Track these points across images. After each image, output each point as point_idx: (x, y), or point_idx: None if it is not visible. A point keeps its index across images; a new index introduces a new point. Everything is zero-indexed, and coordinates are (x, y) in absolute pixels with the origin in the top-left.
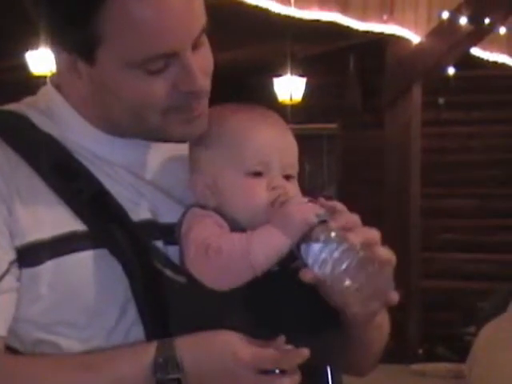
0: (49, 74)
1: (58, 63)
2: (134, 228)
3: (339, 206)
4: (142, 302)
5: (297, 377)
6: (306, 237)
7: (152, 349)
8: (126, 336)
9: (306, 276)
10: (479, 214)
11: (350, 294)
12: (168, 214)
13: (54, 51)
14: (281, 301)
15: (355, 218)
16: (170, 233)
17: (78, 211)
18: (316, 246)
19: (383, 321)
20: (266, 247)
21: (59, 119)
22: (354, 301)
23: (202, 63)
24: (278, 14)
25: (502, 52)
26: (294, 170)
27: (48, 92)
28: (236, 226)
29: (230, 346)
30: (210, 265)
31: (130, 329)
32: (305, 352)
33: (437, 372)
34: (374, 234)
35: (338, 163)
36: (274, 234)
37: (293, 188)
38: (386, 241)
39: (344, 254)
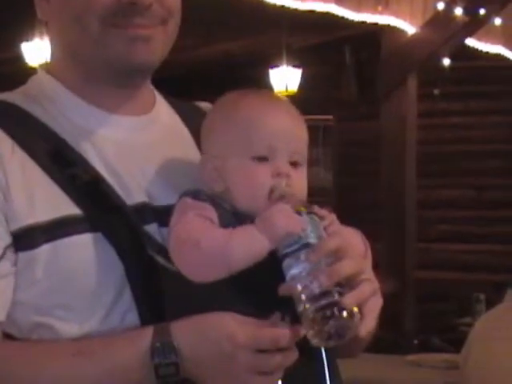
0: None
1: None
2: (128, 213)
3: (335, 223)
4: (137, 287)
5: (294, 354)
6: (290, 257)
7: (148, 334)
8: (121, 320)
9: (283, 291)
10: (475, 205)
11: (314, 325)
12: (163, 197)
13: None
14: (271, 283)
15: (346, 242)
16: (165, 215)
17: (74, 196)
18: (296, 271)
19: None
20: (244, 249)
21: (55, 101)
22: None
23: None
24: (274, 5)
25: (497, 43)
26: (301, 157)
27: (39, 78)
28: (233, 215)
29: (225, 328)
30: (187, 257)
31: (125, 313)
32: (300, 329)
33: (432, 363)
34: (359, 270)
35: (333, 154)
36: (254, 237)
37: (298, 176)
38: (382, 233)
39: (316, 293)
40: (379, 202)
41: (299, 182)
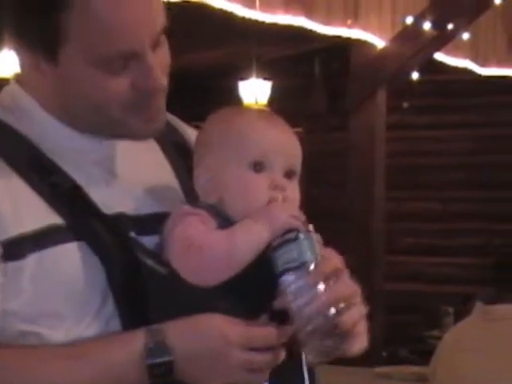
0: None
1: (21, 62)
2: (111, 220)
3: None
4: (120, 295)
5: (282, 353)
6: (291, 273)
7: (141, 335)
8: (105, 327)
9: (279, 305)
10: (443, 218)
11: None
12: (137, 206)
13: (17, 51)
14: (259, 285)
15: (339, 266)
16: (141, 224)
17: (55, 205)
18: (293, 291)
19: None
20: (247, 246)
21: (26, 115)
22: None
23: (161, 62)
24: (243, 17)
25: (466, 57)
26: (296, 168)
27: (12, 90)
28: (230, 224)
29: (218, 327)
30: (191, 262)
31: (109, 320)
32: (288, 329)
33: (400, 375)
34: (353, 292)
35: (302, 166)
36: (254, 229)
37: (293, 189)
38: (350, 244)
39: (313, 312)
40: (347, 214)
41: (294, 194)
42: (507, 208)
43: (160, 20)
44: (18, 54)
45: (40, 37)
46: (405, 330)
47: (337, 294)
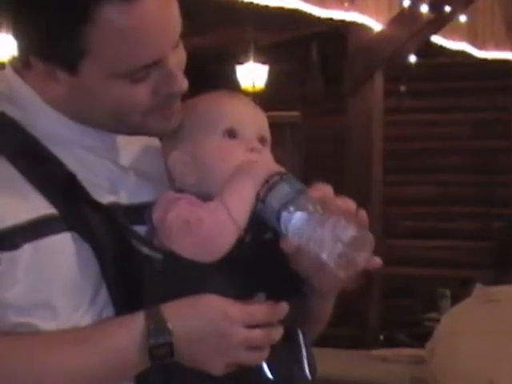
0: (7, 59)
1: (33, 68)
2: (105, 209)
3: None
4: (114, 283)
5: (280, 330)
6: (287, 206)
7: (140, 318)
8: (99, 316)
9: (287, 245)
10: (440, 202)
11: (330, 261)
12: (131, 195)
13: (27, 55)
14: (254, 270)
15: (330, 190)
16: (135, 213)
17: (49, 195)
18: (298, 217)
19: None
20: (239, 200)
21: (23, 104)
22: (333, 267)
23: (179, 61)
24: (241, 1)
25: (463, 40)
26: (267, 133)
27: (8, 78)
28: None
29: (219, 307)
30: (195, 238)
31: (102, 309)
32: (285, 305)
33: (397, 357)
34: (351, 203)
35: (300, 151)
36: (239, 185)
37: (267, 153)
38: None
39: (328, 225)
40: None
41: (269, 157)
42: (505, 192)
43: (179, 23)
44: (30, 58)
45: (61, 50)
46: (402, 313)
47: (342, 205)
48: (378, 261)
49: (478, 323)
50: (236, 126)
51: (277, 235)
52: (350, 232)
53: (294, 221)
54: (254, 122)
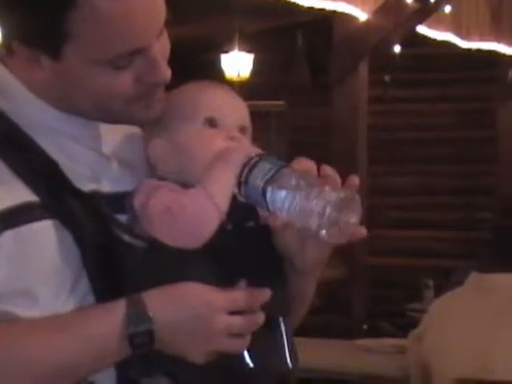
0: None
1: (13, 50)
2: (86, 197)
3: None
4: (95, 271)
5: (262, 316)
6: (271, 181)
7: (121, 305)
8: (79, 304)
9: (274, 221)
10: (425, 192)
11: (320, 230)
12: (113, 184)
13: (10, 41)
14: (236, 258)
15: (313, 164)
16: (116, 202)
17: (31, 183)
18: (283, 191)
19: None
20: (219, 186)
21: (6, 91)
22: (325, 235)
23: (163, 50)
24: None
25: (448, 30)
26: (247, 122)
27: None
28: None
29: (200, 293)
30: (178, 225)
31: (83, 298)
32: (267, 291)
33: (381, 347)
34: (333, 172)
35: (285, 141)
36: (219, 171)
37: (247, 142)
38: None
39: (313, 195)
40: None
41: (248, 144)
42: (489, 182)
43: (163, 11)
44: (13, 45)
45: (45, 35)
46: (386, 303)
47: (325, 175)
48: (363, 230)
49: (473, 309)
50: (216, 115)
51: (258, 223)
52: (335, 194)
53: (280, 195)
54: (235, 111)
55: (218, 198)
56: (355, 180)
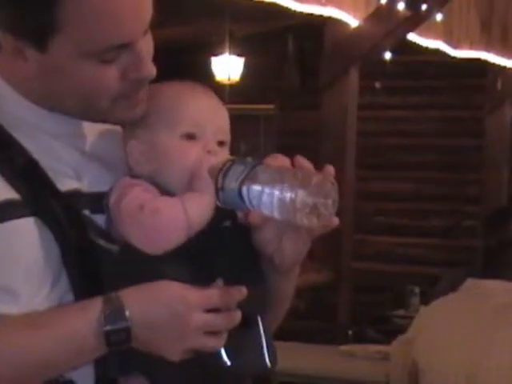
0: None
1: (1, 47)
2: (65, 197)
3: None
4: (74, 271)
5: (238, 314)
6: (246, 180)
7: (98, 303)
8: (59, 302)
9: (253, 218)
10: (412, 198)
11: (300, 218)
12: (94, 183)
13: None
14: (212, 258)
15: (287, 160)
16: (96, 201)
17: (11, 180)
18: (259, 186)
19: (295, 279)
20: (199, 207)
21: None
22: (306, 222)
23: (148, 49)
24: None
25: (438, 38)
26: (227, 137)
27: None
28: (167, 194)
29: (176, 291)
30: (147, 226)
31: (62, 296)
32: (243, 289)
33: (365, 353)
34: (307, 162)
35: (274, 144)
36: (200, 196)
37: (225, 155)
38: None
39: (287, 186)
40: None
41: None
42: (476, 190)
43: (150, 10)
44: None
45: (30, 26)
46: (371, 309)
47: (299, 166)
48: (335, 220)
49: (466, 314)
50: (196, 131)
51: (235, 222)
52: (309, 180)
53: (256, 191)
54: (215, 125)
55: (192, 216)
56: (330, 168)
